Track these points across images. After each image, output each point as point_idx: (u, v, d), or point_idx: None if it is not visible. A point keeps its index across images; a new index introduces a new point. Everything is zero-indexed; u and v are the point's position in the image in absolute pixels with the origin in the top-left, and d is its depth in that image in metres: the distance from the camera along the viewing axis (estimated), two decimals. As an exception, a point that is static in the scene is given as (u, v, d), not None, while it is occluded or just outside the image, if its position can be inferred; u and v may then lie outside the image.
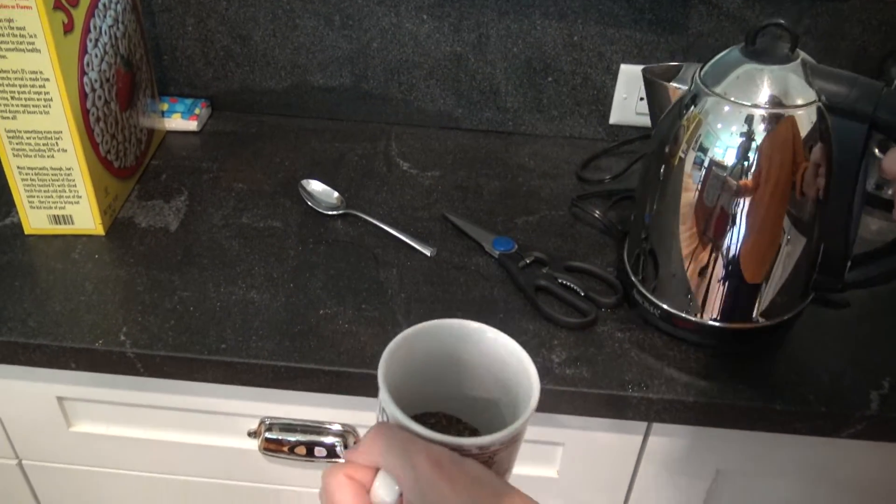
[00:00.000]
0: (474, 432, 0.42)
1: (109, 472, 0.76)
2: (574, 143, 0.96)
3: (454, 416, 0.42)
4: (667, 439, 0.68)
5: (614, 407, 0.62)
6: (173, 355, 0.62)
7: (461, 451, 0.34)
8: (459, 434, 0.41)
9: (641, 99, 0.93)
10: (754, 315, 0.64)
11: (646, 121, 0.95)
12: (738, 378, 0.63)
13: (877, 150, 0.82)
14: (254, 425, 0.71)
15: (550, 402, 0.62)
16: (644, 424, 0.67)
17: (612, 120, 0.96)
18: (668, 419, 0.63)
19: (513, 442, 0.36)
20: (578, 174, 0.88)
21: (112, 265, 0.71)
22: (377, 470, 0.35)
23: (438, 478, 0.32)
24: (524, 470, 0.72)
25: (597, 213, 0.79)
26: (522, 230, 0.79)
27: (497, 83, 0.94)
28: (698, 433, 0.67)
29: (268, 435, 0.69)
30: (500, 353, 0.39)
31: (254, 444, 0.71)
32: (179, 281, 0.70)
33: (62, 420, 0.72)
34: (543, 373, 0.62)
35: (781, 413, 0.61)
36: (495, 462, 0.35)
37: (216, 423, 0.71)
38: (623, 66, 0.92)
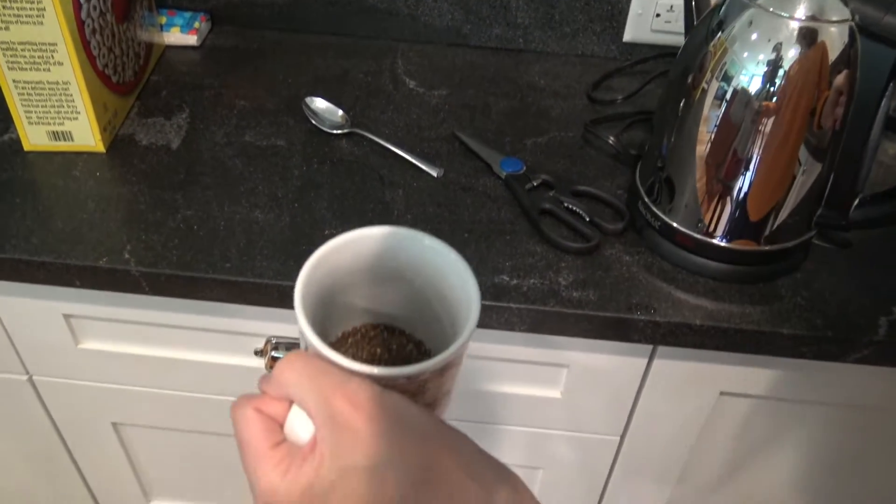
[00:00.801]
0: (419, 345, 0.39)
1: (118, 389, 0.77)
2: (586, 62, 0.93)
3: (397, 327, 0.39)
4: (671, 362, 0.68)
5: (620, 330, 0.62)
6: (178, 274, 0.62)
7: (385, 382, 0.30)
8: (401, 348, 0.38)
9: (658, 15, 0.90)
10: (762, 239, 0.63)
11: (661, 39, 0.92)
12: (745, 302, 0.63)
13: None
14: (260, 344, 0.71)
15: (556, 325, 0.62)
16: (649, 347, 0.68)
17: (626, 38, 0.92)
18: (674, 342, 0.63)
19: (448, 368, 0.32)
20: (590, 94, 0.86)
21: (114, 183, 0.70)
22: (291, 403, 0.31)
23: (353, 417, 0.28)
24: (528, 390, 0.73)
25: (611, 140, 0.77)
26: (531, 151, 0.77)
27: (507, -3, 0.90)
28: (703, 356, 0.67)
29: (274, 354, 0.70)
30: (438, 263, 0.35)
31: (260, 362, 0.72)
32: (182, 199, 0.69)
33: (70, 337, 0.72)
34: (550, 295, 0.62)
35: (788, 337, 0.61)
36: (428, 390, 0.32)
37: (223, 341, 0.72)
38: (639, -20, 0.88)
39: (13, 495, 0.96)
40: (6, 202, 0.67)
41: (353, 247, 0.35)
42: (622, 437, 0.77)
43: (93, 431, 0.84)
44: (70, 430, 0.84)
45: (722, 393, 0.71)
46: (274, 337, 0.70)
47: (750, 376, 0.69)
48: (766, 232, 0.63)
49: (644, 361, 0.69)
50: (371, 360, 0.37)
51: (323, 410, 0.29)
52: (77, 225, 0.65)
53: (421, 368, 0.30)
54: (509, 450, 0.79)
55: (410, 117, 0.81)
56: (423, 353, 0.38)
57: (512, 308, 0.61)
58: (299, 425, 0.30)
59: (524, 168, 0.72)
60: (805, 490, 0.82)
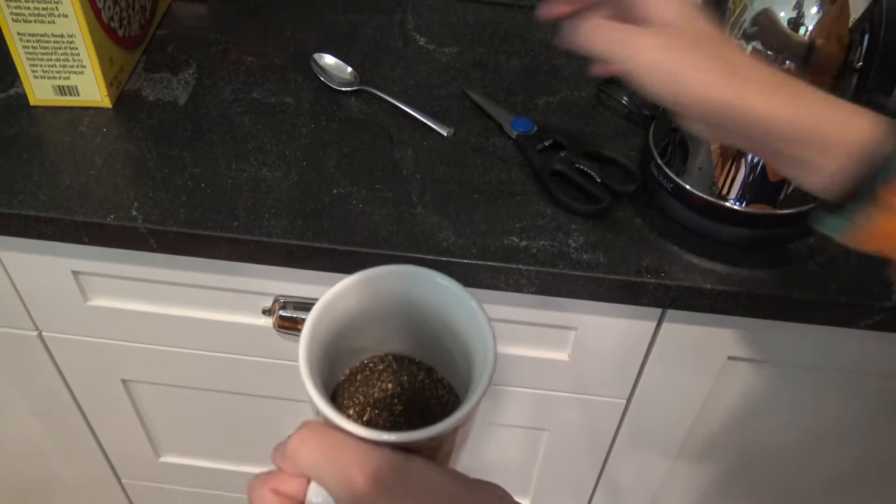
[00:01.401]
0: (430, 372, 0.37)
1: (127, 346, 0.78)
2: (600, 20, 0.91)
3: (405, 356, 0.38)
4: (680, 326, 0.68)
5: (630, 293, 0.62)
6: (185, 231, 0.62)
7: (407, 448, 0.29)
8: (412, 378, 0.37)
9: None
10: (777, 203, 0.62)
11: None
12: (757, 266, 0.62)
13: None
14: (268, 303, 0.71)
15: (565, 287, 0.62)
16: (658, 311, 0.67)
17: (642, -5, 0.90)
18: (684, 306, 0.62)
19: (469, 419, 0.31)
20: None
21: (121, 139, 0.69)
22: (309, 478, 0.30)
23: (378, 495, 0.27)
24: (535, 352, 0.73)
25: (624, 100, 0.75)
26: (543, 111, 0.76)
27: (521, -48, 0.88)
28: (712, 321, 0.66)
29: (282, 313, 0.70)
30: (450, 303, 0.34)
31: (268, 321, 0.72)
32: (190, 157, 0.68)
33: (78, 294, 0.73)
34: (559, 257, 0.61)
35: (800, 302, 0.61)
36: (445, 444, 0.31)
37: (231, 300, 0.72)
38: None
39: (25, 450, 0.98)
40: (13, 158, 0.67)
41: (357, 291, 0.34)
42: (628, 400, 0.77)
43: (103, 388, 0.84)
44: (80, 386, 0.85)
45: (730, 358, 0.71)
46: (282, 296, 0.70)
47: (759, 341, 0.68)
48: (781, 195, 0.62)
49: (653, 325, 0.68)
50: (383, 397, 0.36)
51: (343, 490, 0.27)
52: (85, 181, 0.65)
53: (442, 428, 0.29)
54: (515, 411, 0.79)
55: (420, 75, 0.79)
56: (434, 381, 0.37)
57: (521, 270, 0.61)
58: (320, 502, 0.29)
59: (535, 128, 0.71)
60: (809, 456, 0.83)
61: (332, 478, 0.28)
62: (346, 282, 0.34)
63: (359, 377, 0.37)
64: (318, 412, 0.30)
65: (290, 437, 0.30)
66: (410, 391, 0.37)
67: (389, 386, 0.37)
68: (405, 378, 0.37)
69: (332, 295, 0.33)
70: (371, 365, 0.37)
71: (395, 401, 0.36)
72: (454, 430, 0.30)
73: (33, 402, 0.88)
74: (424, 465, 0.28)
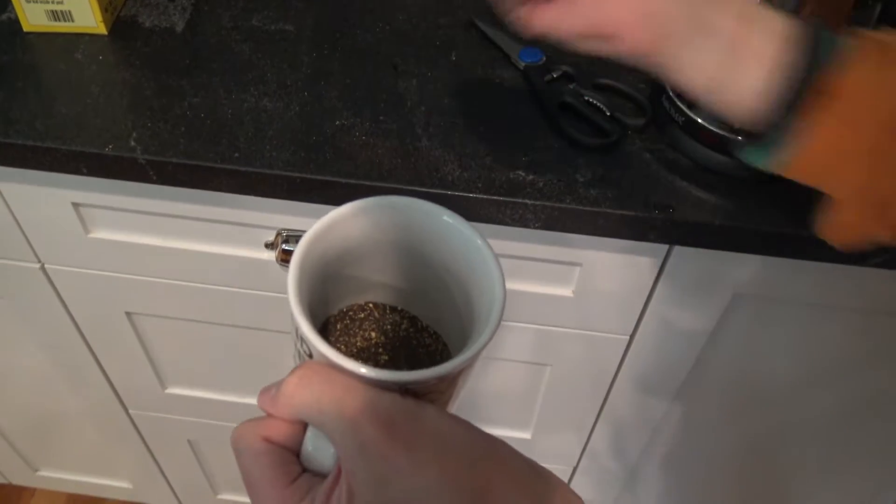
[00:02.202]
0: (413, 321, 0.35)
1: (130, 279, 0.77)
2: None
3: (386, 303, 0.35)
4: (686, 262, 0.67)
5: (637, 229, 0.61)
6: (185, 163, 0.61)
7: (417, 387, 0.26)
8: (396, 327, 0.34)
9: None
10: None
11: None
12: (767, 203, 0.61)
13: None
14: (270, 237, 0.70)
15: (572, 223, 0.61)
16: (665, 247, 0.66)
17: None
18: (692, 242, 0.61)
19: (473, 362, 0.28)
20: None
21: (117, 67, 0.67)
22: (305, 425, 0.27)
23: (390, 444, 0.24)
24: (539, 288, 0.72)
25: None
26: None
27: None
28: (719, 257, 0.66)
29: (285, 247, 0.69)
30: (453, 240, 0.31)
31: (271, 255, 0.72)
32: (189, 86, 0.66)
33: (80, 226, 0.72)
34: (566, 191, 0.60)
35: (808, 239, 0.60)
36: (452, 387, 0.29)
37: (233, 233, 0.71)
38: None
39: (34, 382, 0.99)
40: (8, 86, 0.65)
41: (352, 221, 0.31)
42: (631, 336, 0.77)
43: (107, 320, 0.85)
44: (85, 318, 0.85)
45: (735, 295, 0.70)
46: (284, 229, 0.69)
47: (765, 279, 0.68)
48: (795, 130, 0.60)
49: (659, 262, 0.68)
50: (367, 346, 0.34)
51: (351, 439, 0.24)
52: (81, 110, 0.63)
53: (453, 366, 0.26)
54: (518, 346, 0.79)
55: (426, 2, 0.77)
56: (419, 330, 0.35)
57: (527, 204, 0.60)
58: (319, 452, 0.26)
59: (544, 59, 0.69)
60: (809, 393, 0.83)
61: (337, 425, 0.24)
62: (342, 210, 0.31)
63: (339, 326, 0.35)
64: (309, 353, 0.27)
65: (282, 380, 0.27)
66: (395, 340, 0.34)
67: (373, 335, 0.34)
68: (388, 327, 0.35)
69: (325, 223, 0.30)
70: (351, 314, 0.35)
71: (380, 350, 0.34)
72: (463, 371, 0.28)
73: (39, 334, 0.89)
74: (438, 413, 0.26)
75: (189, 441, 1.07)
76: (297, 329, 0.27)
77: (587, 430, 0.92)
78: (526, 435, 0.94)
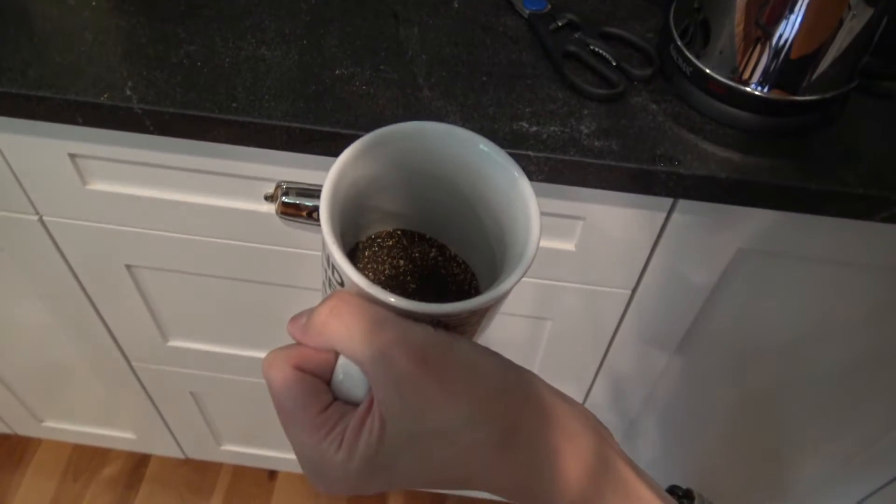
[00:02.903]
0: (443, 249, 0.34)
1: (129, 231, 0.77)
2: None
3: (415, 231, 0.34)
4: (691, 217, 0.66)
5: (642, 182, 0.60)
6: (182, 112, 0.59)
7: (448, 320, 0.26)
8: (425, 256, 0.34)
9: None
10: (799, 89, 0.59)
11: None
12: (774, 156, 0.60)
13: None
14: (270, 189, 0.69)
15: (575, 175, 0.60)
16: (669, 201, 0.66)
17: None
18: (697, 196, 0.61)
19: (506, 295, 0.28)
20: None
21: (111, 14, 0.66)
22: (336, 354, 0.26)
23: (423, 377, 0.24)
24: (541, 242, 0.71)
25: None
26: (557, -11, 0.71)
27: None
28: (723, 211, 0.65)
29: (284, 199, 0.68)
30: (489, 170, 0.30)
31: (271, 208, 0.71)
32: (185, 33, 0.65)
33: (77, 178, 0.71)
34: (570, 143, 0.59)
35: (816, 193, 0.59)
36: (483, 320, 0.29)
37: (232, 185, 0.70)
38: None
39: (37, 334, 0.99)
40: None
41: (391, 145, 0.30)
42: (633, 291, 0.77)
43: (107, 273, 0.84)
44: (84, 271, 0.85)
45: (739, 250, 0.70)
46: (284, 182, 0.68)
47: (770, 233, 0.67)
48: (805, 82, 0.59)
49: (663, 215, 0.67)
50: (395, 275, 0.33)
51: (384, 371, 0.24)
52: (75, 58, 0.62)
53: (487, 299, 0.26)
54: (519, 300, 0.79)
55: (427, -52, 0.74)
56: (448, 259, 0.34)
57: (530, 156, 0.59)
58: (351, 381, 0.26)
59: (548, 6, 0.67)
60: (810, 349, 0.83)
61: (369, 356, 0.24)
62: (373, 135, 0.29)
63: (367, 253, 0.34)
64: (340, 281, 0.26)
65: (313, 308, 0.26)
66: (423, 268, 0.34)
67: (401, 262, 0.34)
68: (417, 255, 0.34)
69: (356, 150, 0.29)
70: (379, 241, 0.34)
71: (409, 278, 0.34)
72: (494, 304, 0.27)
73: (40, 287, 0.88)
74: (470, 346, 0.26)
75: (192, 393, 1.08)
76: (328, 257, 0.27)
77: (587, 383, 0.93)
78: (526, 388, 0.95)
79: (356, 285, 0.25)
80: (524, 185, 0.30)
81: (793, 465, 1.08)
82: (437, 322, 0.26)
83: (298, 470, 1.30)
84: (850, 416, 0.94)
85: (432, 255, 0.34)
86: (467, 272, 0.35)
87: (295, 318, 0.27)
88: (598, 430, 0.28)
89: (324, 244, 0.27)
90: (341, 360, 0.26)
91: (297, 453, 0.27)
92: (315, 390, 0.26)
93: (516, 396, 0.26)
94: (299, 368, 0.26)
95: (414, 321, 0.25)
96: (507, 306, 0.29)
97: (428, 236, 0.35)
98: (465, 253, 0.35)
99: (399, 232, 0.34)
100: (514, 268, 0.28)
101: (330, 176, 0.28)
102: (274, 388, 0.26)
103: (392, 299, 0.25)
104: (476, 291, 0.34)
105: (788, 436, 1.02)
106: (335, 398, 0.27)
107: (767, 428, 1.00)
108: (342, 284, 0.27)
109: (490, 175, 0.31)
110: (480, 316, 0.28)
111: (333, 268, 0.27)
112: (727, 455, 1.09)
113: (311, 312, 0.26)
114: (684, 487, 0.35)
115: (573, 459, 0.26)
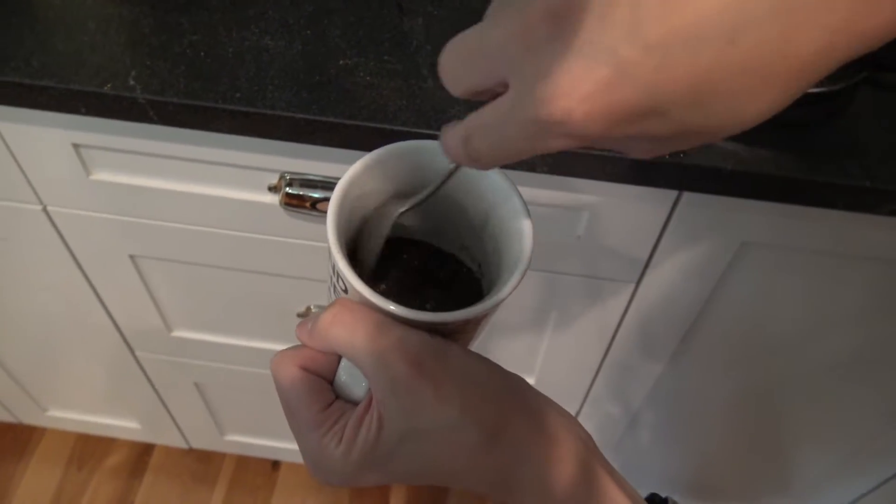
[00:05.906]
0: (443, 258, 0.36)
1: (133, 222, 0.77)
2: None
3: (414, 238, 0.36)
4: (695, 209, 0.66)
5: (646, 174, 0.60)
6: (186, 103, 0.59)
7: (443, 328, 0.27)
8: (425, 262, 0.35)
9: None
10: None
11: None
12: (780, 148, 0.59)
13: None
14: (273, 180, 0.69)
15: (580, 167, 0.60)
16: (674, 194, 0.65)
17: None
18: (702, 188, 0.60)
19: (498, 306, 0.29)
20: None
21: (114, 3, 0.65)
22: (339, 356, 0.29)
23: (418, 381, 0.26)
24: (545, 234, 0.71)
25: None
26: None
27: None
28: (728, 204, 0.64)
29: (288, 190, 0.68)
30: (485, 186, 0.32)
31: (274, 199, 0.71)
32: (188, 23, 0.64)
33: (81, 168, 0.71)
34: (575, 135, 0.59)
35: (822, 185, 0.59)
36: (479, 328, 0.30)
37: (236, 176, 0.70)
38: None
39: (42, 324, 0.99)
40: (2, 21, 0.63)
41: (395, 161, 0.31)
42: (637, 283, 0.77)
43: (111, 263, 0.84)
44: (89, 262, 0.85)
45: (744, 243, 0.70)
46: (288, 172, 0.68)
47: (775, 227, 0.67)
48: (812, 73, 0.58)
49: (667, 208, 0.67)
50: (397, 280, 0.35)
51: (382, 374, 0.26)
52: (78, 47, 0.62)
53: (483, 308, 0.27)
54: (523, 292, 0.79)
55: (432, -62, 0.74)
56: (449, 266, 0.36)
57: (535, 148, 0.58)
58: (352, 381, 0.28)
59: (554, -3, 0.67)
60: (814, 342, 0.83)
61: (369, 360, 0.26)
62: (379, 153, 0.31)
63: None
64: (345, 288, 0.28)
65: (318, 314, 0.28)
66: (424, 275, 0.35)
67: (403, 269, 0.35)
68: (417, 262, 0.36)
69: (363, 166, 0.30)
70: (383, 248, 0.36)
71: (409, 284, 0.35)
72: (487, 314, 0.29)
73: (44, 277, 0.88)
74: (463, 352, 0.28)
75: (196, 383, 1.09)
76: (334, 266, 0.29)
77: (591, 375, 0.93)
78: (530, 380, 0.95)
79: (358, 293, 0.27)
80: (519, 206, 0.31)
81: (795, 459, 1.08)
82: (433, 329, 0.27)
83: (301, 460, 1.30)
84: (853, 411, 0.94)
85: (433, 262, 0.36)
86: (470, 275, 0.36)
87: (302, 324, 0.29)
88: (582, 438, 0.30)
89: (329, 254, 0.28)
90: (343, 362, 0.29)
91: (299, 446, 0.29)
92: (318, 389, 0.29)
93: (504, 401, 0.28)
94: (305, 368, 0.29)
95: (412, 328, 0.27)
96: (511, 298, 0.30)
97: (430, 243, 0.36)
98: (464, 255, 0.36)
99: (401, 239, 0.36)
100: (505, 283, 0.29)
101: (337, 189, 0.29)
102: (281, 386, 0.28)
103: (391, 307, 0.27)
104: (478, 294, 0.35)
105: (791, 429, 1.01)
106: (337, 397, 0.29)
107: (772, 422, 1.00)
108: (346, 291, 0.28)
109: (487, 192, 0.32)
110: (476, 324, 0.29)
111: (339, 275, 0.28)
112: (729, 448, 1.09)
113: (316, 318, 0.29)
114: (663, 496, 0.36)
115: (555, 464, 0.28)
